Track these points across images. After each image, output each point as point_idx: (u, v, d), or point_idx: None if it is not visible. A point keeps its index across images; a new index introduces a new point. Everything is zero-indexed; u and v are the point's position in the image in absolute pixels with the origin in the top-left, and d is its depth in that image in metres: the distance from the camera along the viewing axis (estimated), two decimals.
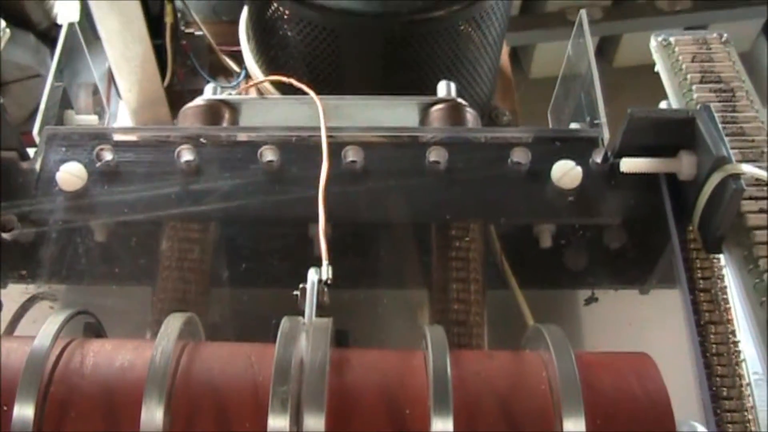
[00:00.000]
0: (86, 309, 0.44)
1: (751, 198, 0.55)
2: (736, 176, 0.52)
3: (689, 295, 0.56)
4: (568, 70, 0.70)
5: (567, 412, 0.37)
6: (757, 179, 0.55)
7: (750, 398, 0.53)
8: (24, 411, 0.37)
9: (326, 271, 0.46)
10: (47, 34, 1.23)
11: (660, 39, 0.67)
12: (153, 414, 0.36)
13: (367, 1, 0.91)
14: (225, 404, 0.38)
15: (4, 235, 0.55)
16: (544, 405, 0.38)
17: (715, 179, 0.53)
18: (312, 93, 0.60)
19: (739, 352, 0.55)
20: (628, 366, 0.41)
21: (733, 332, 0.56)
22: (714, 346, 0.55)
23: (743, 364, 0.55)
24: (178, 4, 1.03)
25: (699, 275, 0.58)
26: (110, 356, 0.40)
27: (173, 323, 0.40)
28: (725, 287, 0.57)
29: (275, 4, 0.92)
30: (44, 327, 0.40)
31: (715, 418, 0.52)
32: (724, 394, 0.54)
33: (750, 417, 0.53)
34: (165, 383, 0.37)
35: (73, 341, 0.41)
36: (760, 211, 0.55)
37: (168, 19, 0.96)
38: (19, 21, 1.16)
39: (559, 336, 0.40)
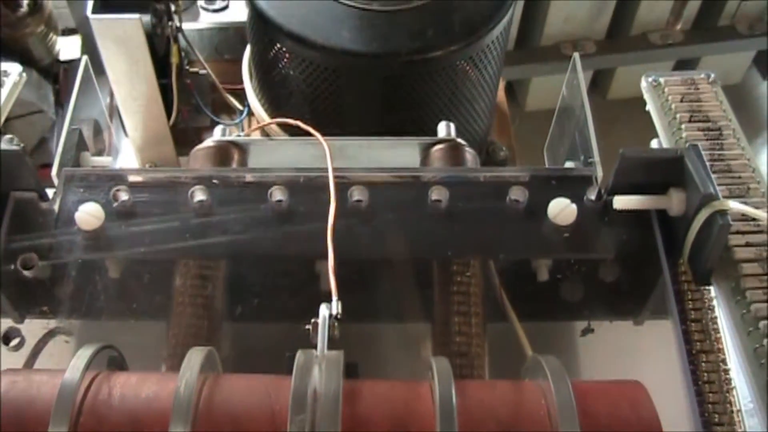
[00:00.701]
0: (110, 344, 0.47)
1: (738, 232, 0.59)
2: (723, 212, 0.55)
3: (681, 326, 0.59)
4: (562, 110, 0.74)
5: None
6: (743, 215, 0.58)
7: (741, 424, 0.57)
8: None
9: (336, 307, 0.49)
10: (49, 71, 1.27)
11: (650, 80, 0.71)
12: None
13: (367, 42, 0.95)
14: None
15: (25, 272, 0.58)
16: (542, 426, 0.42)
17: (703, 215, 0.56)
18: (318, 135, 0.64)
19: (729, 379, 0.58)
20: (622, 394, 0.44)
21: (723, 361, 0.59)
22: (705, 374, 0.58)
23: (734, 392, 0.58)
24: (182, 43, 1.07)
25: (690, 306, 0.61)
26: (136, 388, 0.43)
27: (195, 357, 0.43)
28: (715, 317, 0.61)
29: (277, 45, 0.96)
30: (73, 361, 0.43)
31: None
32: (716, 420, 0.57)
33: None
34: (189, 413, 0.40)
35: (100, 374, 0.44)
36: (747, 244, 0.58)
37: (174, 60, 1.00)
38: (21, 58, 1.20)
39: (557, 366, 0.44)
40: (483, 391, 0.44)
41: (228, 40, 1.18)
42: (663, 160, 0.59)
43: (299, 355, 0.43)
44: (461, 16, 0.96)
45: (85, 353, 0.43)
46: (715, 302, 0.61)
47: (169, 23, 0.99)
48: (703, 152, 0.59)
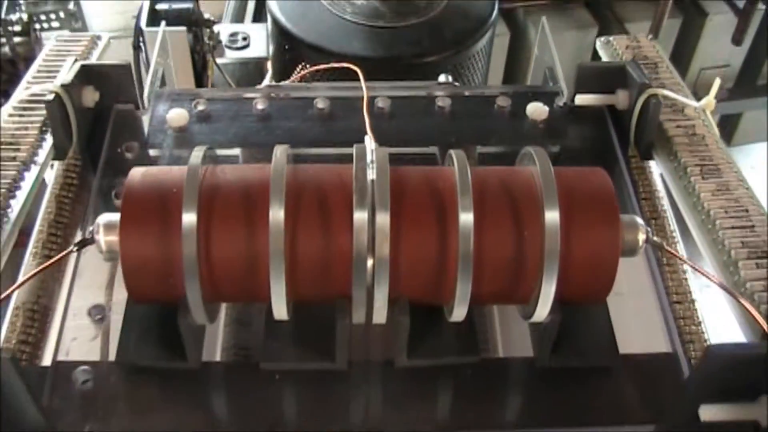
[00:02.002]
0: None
1: (670, 120, 0.81)
2: (656, 95, 0.78)
3: (635, 199, 0.80)
4: (536, 66, 0.98)
5: (546, 191, 0.60)
6: (672, 105, 0.81)
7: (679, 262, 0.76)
8: (190, 194, 0.58)
9: (372, 143, 0.69)
10: None
11: (603, 39, 0.95)
12: (278, 195, 0.57)
13: (374, 50, 1.20)
14: (323, 188, 0.61)
15: (128, 155, 0.78)
16: (530, 184, 0.61)
17: (641, 100, 0.78)
18: (353, 66, 0.86)
19: (674, 237, 0.79)
20: (589, 172, 0.64)
21: (669, 224, 0.80)
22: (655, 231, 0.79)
23: (678, 246, 0.78)
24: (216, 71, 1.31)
25: (641, 189, 0.82)
26: (240, 167, 0.63)
27: (281, 148, 0.63)
28: (661, 197, 0.82)
29: (301, 57, 1.20)
30: (192, 154, 0.62)
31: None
32: (665, 260, 0.77)
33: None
34: (284, 173, 0.59)
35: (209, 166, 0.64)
36: (678, 126, 0.80)
37: (210, 73, 1.24)
38: None
39: (542, 151, 0.63)
40: (487, 167, 0.64)
41: (248, 73, 1.42)
42: (610, 68, 0.83)
43: (356, 146, 0.63)
44: (451, 31, 1.22)
45: (201, 148, 0.63)
46: (659, 187, 0.82)
47: (207, 42, 1.23)
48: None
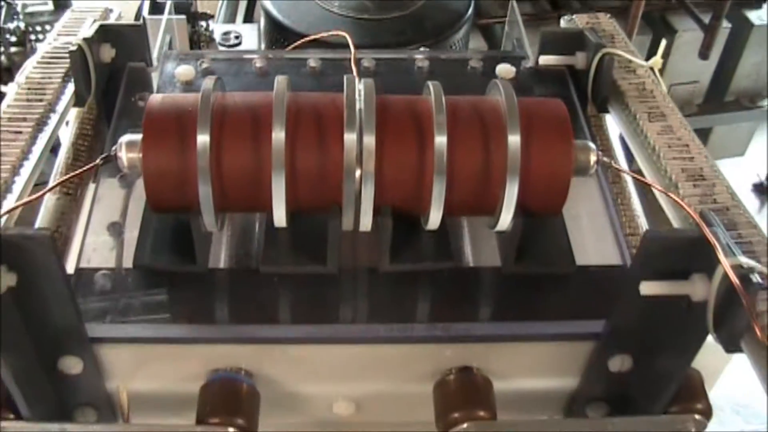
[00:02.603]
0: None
1: (623, 78, 0.93)
2: (610, 54, 0.90)
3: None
4: (506, 40, 1.10)
5: (509, 113, 0.72)
6: (626, 64, 0.93)
7: (632, 200, 0.88)
8: (204, 113, 0.69)
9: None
10: None
11: (566, 18, 1.07)
12: (279, 115, 0.69)
13: (360, 39, 1.32)
14: (318, 110, 0.72)
15: (140, 103, 0.89)
16: (496, 107, 0.73)
17: (597, 57, 0.90)
18: (342, 33, 0.98)
19: (626, 181, 0.90)
20: (547, 100, 0.76)
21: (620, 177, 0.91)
22: (610, 176, 0.91)
23: (629, 195, 0.89)
24: None
25: (599, 141, 0.94)
26: (247, 93, 0.74)
27: (282, 77, 0.74)
28: (615, 147, 0.94)
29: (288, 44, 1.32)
30: (204, 81, 0.73)
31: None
32: (620, 201, 0.88)
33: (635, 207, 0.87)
34: (285, 96, 0.70)
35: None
36: (630, 84, 0.92)
37: None
38: None
39: (506, 82, 0.75)
40: (459, 96, 0.76)
41: None
42: (570, 33, 0.95)
43: (346, 76, 0.74)
44: (431, 23, 1.35)
45: (212, 77, 0.74)
46: (613, 140, 0.94)
47: (205, 32, 1.35)
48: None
